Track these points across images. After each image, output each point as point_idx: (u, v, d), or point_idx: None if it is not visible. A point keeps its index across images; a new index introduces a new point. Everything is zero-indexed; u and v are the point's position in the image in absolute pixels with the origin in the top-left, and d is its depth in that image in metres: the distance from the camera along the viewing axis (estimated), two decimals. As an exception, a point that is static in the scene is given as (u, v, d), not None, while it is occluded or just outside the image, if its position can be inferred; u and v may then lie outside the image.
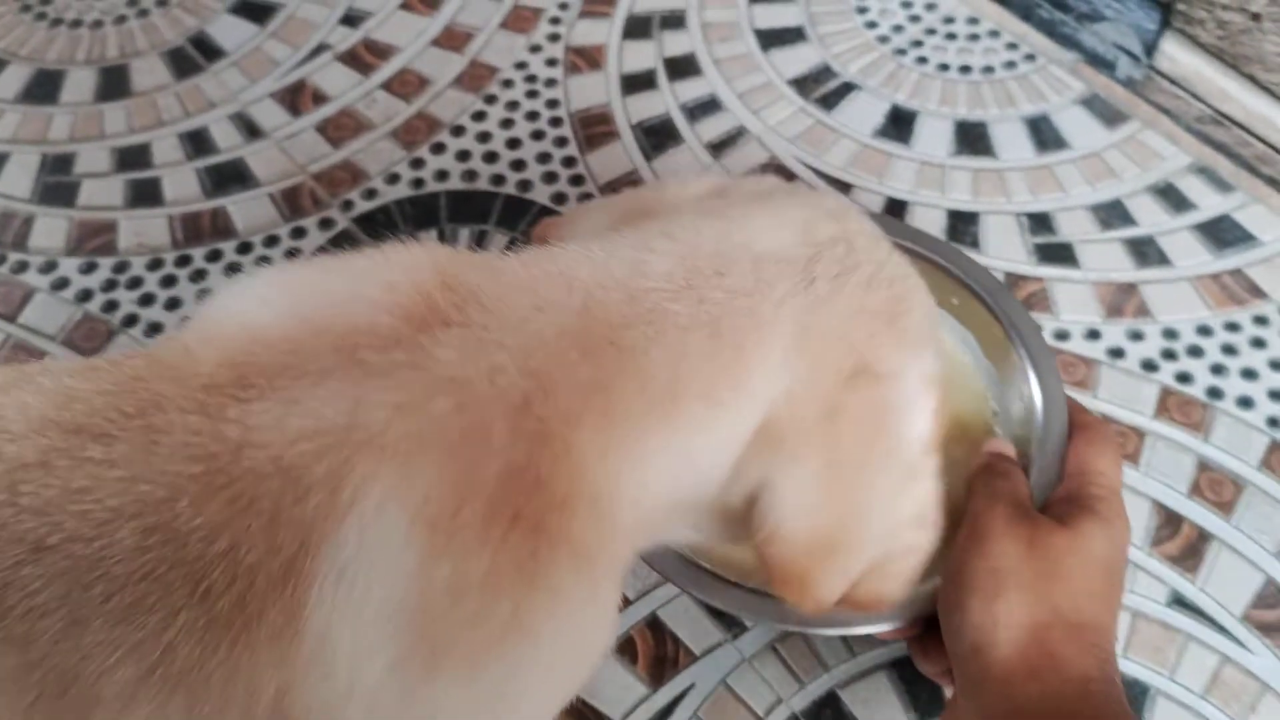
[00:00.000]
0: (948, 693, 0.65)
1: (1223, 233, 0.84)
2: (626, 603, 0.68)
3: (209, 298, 0.46)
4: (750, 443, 0.47)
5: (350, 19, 0.99)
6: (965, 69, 0.95)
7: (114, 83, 0.95)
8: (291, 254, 0.84)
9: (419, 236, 0.84)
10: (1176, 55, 0.84)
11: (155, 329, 0.80)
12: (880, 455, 0.49)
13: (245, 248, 0.84)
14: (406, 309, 0.43)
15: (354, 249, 0.47)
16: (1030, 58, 0.95)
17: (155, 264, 0.84)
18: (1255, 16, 0.77)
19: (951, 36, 0.98)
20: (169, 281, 0.83)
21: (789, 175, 0.88)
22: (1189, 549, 0.70)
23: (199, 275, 0.83)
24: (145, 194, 0.88)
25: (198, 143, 0.91)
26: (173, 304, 0.82)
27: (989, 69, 0.95)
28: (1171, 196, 0.86)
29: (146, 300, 0.82)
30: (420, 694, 0.41)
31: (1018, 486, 0.58)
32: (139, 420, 0.40)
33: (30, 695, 0.37)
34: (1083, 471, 0.59)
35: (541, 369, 0.43)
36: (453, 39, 0.98)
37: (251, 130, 0.91)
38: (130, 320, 0.81)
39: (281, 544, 0.38)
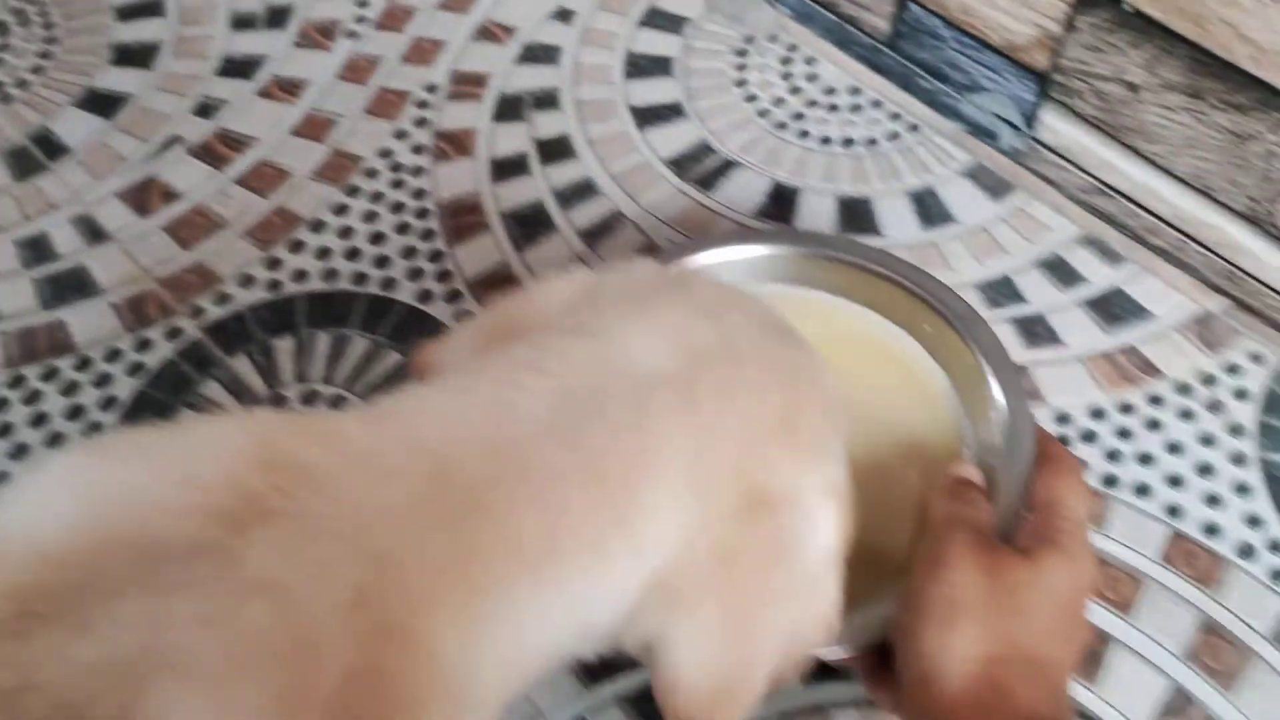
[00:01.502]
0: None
1: (1114, 307, 0.81)
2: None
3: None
4: (644, 593, 0.43)
5: (204, 109, 0.94)
6: (848, 141, 0.92)
7: (-52, 187, 0.89)
8: (136, 369, 0.78)
9: (273, 344, 0.79)
10: (1057, 126, 0.82)
11: (-16, 458, 0.74)
12: (780, 590, 0.46)
13: (84, 363, 0.79)
14: (215, 508, 0.37)
15: (201, 362, 0.41)
16: (914, 128, 0.92)
17: (-15, 386, 0.78)
18: (1133, 87, 0.75)
19: (834, 108, 0.94)
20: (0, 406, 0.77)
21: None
22: (1088, 655, 0.66)
23: (33, 397, 0.77)
24: (-23, 308, 0.82)
25: (36, 249, 0.85)
26: (4, 431, 0.75)
27: (872, 140, 0.92)
28: (1061, 270, 0.83)
29: (-26, 427, 0.76)
30: None
31: (980, 514, 0.56)
32: None
33: None
34: (1049, 504, 0.56)
35: (384, 550, 0.38)
36: (313, 127, 0.93)
37: (95, 233, 0.86)
38: (-44, 450, 0.75)
39: None
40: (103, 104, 0.94)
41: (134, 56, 0.98)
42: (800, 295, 0.71)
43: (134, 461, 0.39)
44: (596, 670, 0.65)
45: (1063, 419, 0.76)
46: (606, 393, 0.43)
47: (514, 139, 0.92)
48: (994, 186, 0.88)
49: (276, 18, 1.01)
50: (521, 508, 0.40)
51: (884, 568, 0.56)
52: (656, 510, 0.43)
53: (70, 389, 0.77)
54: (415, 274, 0.83)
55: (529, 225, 0.86)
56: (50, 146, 0.92)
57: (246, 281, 0.83)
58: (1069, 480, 0.58)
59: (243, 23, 1.00)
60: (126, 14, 1.01)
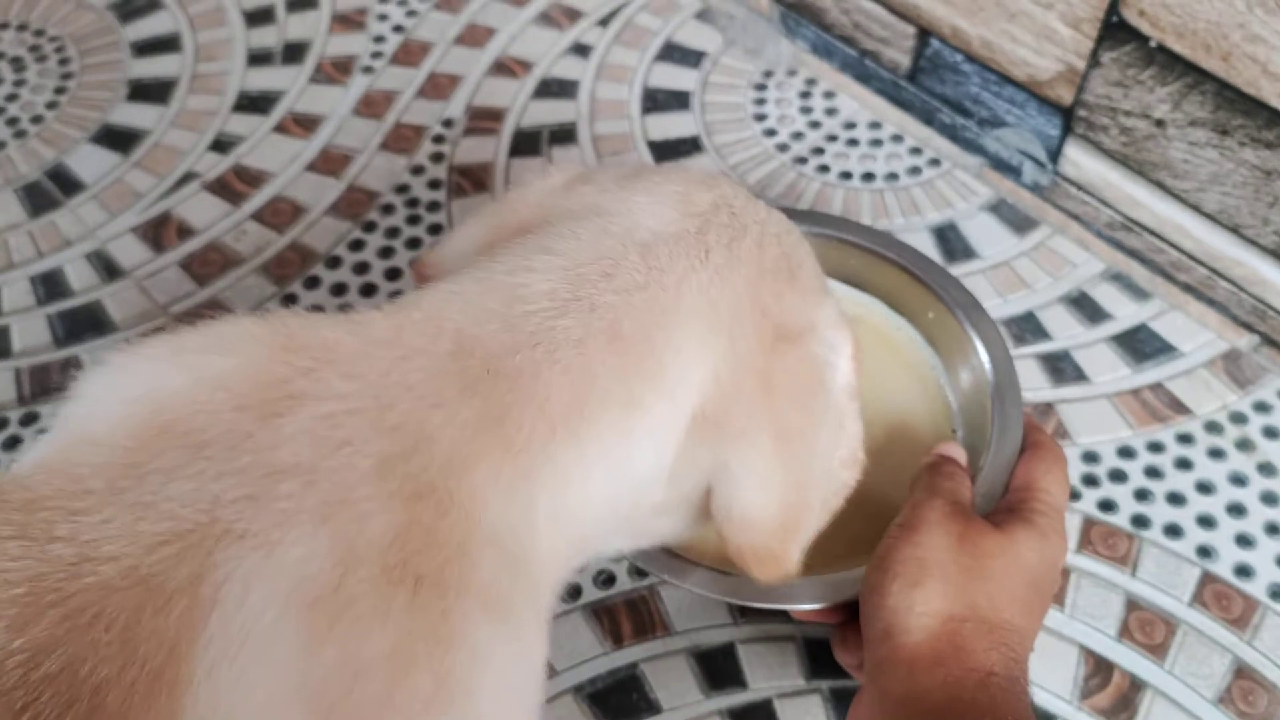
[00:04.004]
0: None
1: (1141, 344, 0.80)
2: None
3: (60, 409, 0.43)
4: (690, 432, 0.46)
5: (220, 144, 0.94)
6: (869, 176, 0.91)
7: (-37, 223, 0.89)
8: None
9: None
10: (1081, 161, 0.81)
11: (-4, 497, 0.73)
12: (818, 414, 0.50)
13: (98, 401, 0.78)
14: (245, 402, 0.40)
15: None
16: (935, 162, 0.92)
17: (-2, 424, 0.77)
18: (1159, 123, 0.74)
19: (853, 143, 0.94)
20: (12, 443, 0.76)
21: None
22: (1121, 700, 0.65)
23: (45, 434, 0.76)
24: (-9, 345, 0.81)
25: (51, 285, 0.84)
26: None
27: (893, 175, 0.91)
28: (1086, 306, 0.82)
29: (-13, 465, 0.75)
30: None
31: (960, 487, 0.58)
32: None
33: None
34: (1028, 486, 0.59)
35: (407, 423, 0.41)
36: (329, 162, 0.92)
37: (110, 269, 0.85)
38: (-31, 488, 0.73)
39: (143, 655, 0.34)
40: (118, 139, 0.94)
41: (150, 92, 0.98)
42: None
43: (168, 366, 0.42)
44: None
45: (1091, 458, 0.74)
46: (614, 260, 0.46)
47: (531, 173, 0.91)
48: (1017, 222, 0.87)
49: (293, 53, 1.00)
50: (545, 371, 0.43)
51: (867, 541, 0.58)
52: (681, 356, 0.46)
53: (84, 427, 0.76)
54: (432, 310, 0.82)
55: (547, 261, 0.85)
56: (65, 182, 0.91)
57: (262, 318, 0.82)
58: (1051, 468, 0.60)
59: (259, 59, 1.00)
60: (143, 50, 1.01)
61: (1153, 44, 0.71)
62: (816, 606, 0.59)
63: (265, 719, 0.35)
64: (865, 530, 0.60)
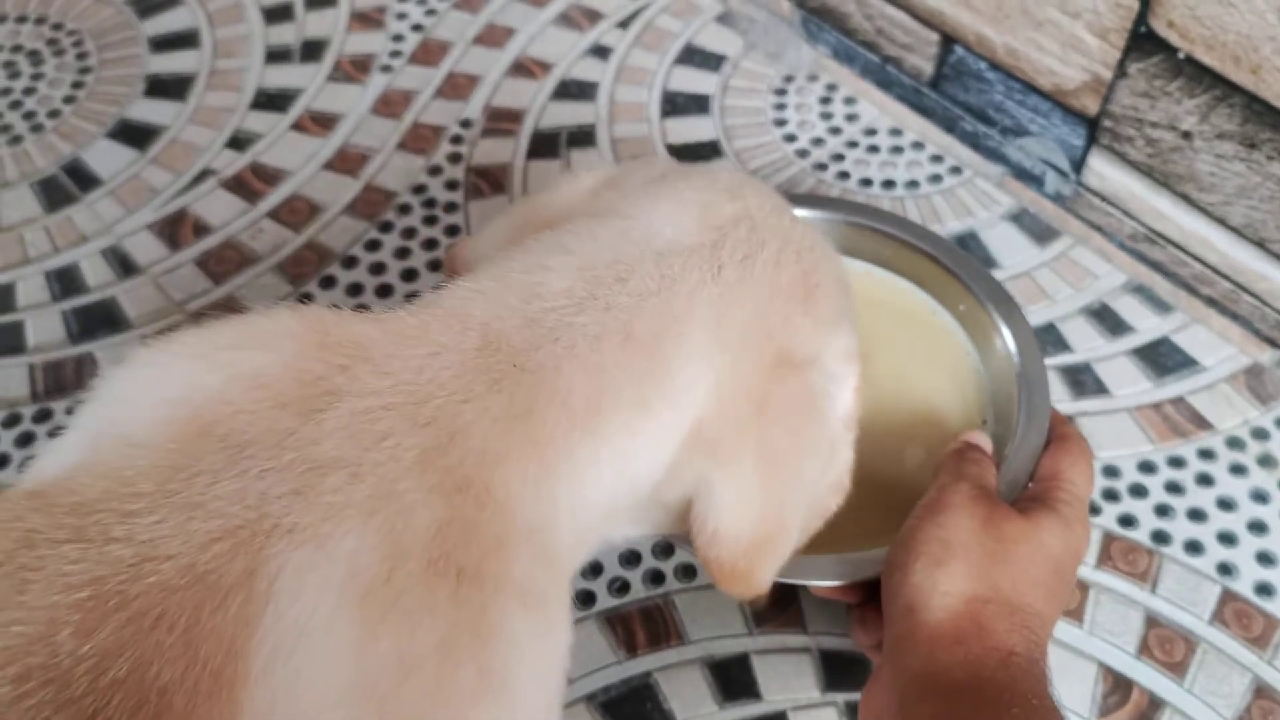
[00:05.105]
0: None
1: (1162, 357, 0.79)
2: None
3: (81, 406, 0.43)
4: (684, 443, 0.47)
5: (237, 142, 0.93)
6: (889, 183, 0.91)
7: (-21, 216, 0.89)
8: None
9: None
10: (1105, 172, 0.80)
11: (8, 494, 0.73)
12: (809, 442, 0.50)
13: (112, 399, 0.77)
14: (284, 399, 0.41)
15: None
16: (956, 170, 0.91)
17: (12, 420, 0.76)
18: (1186, 135, 0.73)
19: (874, 149, 0.93)
20: (25, 440, 0.75)
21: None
22: (1140, 718, 0.64)
23: (59, 432, 0.76)
24: (5, 340, 0.80)
25: (66, 281, 0.84)
26: (28, 467, 0.74)
27: (913, 183, 0.90)
28: (1107, 318, 0.81)
29: None
30: None
31: (985, 472, 0.58)
32: (8, 565, 0.36)
33: None
34: (1053, 476, 0.59)
35: (441, 417, 0.42)
36: (347, 161, 0.92)
37: (126, 266, 0.85)
38: (-19, 484, 0.73)
39: (205, 655, 0.35)
40: (135, 135, 0.94)
41: (168, 88, 0.97)
42: (845, 262, 0.74)
43: (203, 364, 0.42)
44: (631, 726, 0.64)
45: (1111, 472, 0.74)
46: (629, 264, 0.47)
47: (548, 175, 0.91)
48: (1039, 232, 0.86)
49: (311, 51, 1.00)
50: (565, 367, 0.44)
51: (890, 525, 0.57)
52: (686, 364, 0.46)
53: (98, 424, 0.76)
54: (448, 312, 0.82)
55: (564, 264, 0.85)
56: (82, 177, 0.91)
57: (277, 317, 0.82)
58: (1077, 460, 0.60)
59: (277, 56, 1.00)
60: (161, 45, 1.00)
61: (1181, 55, 0.71)
62: (836, 583, 0.59)
63: (319, 712, 0.36)
64: (890, 514, 0.60)
